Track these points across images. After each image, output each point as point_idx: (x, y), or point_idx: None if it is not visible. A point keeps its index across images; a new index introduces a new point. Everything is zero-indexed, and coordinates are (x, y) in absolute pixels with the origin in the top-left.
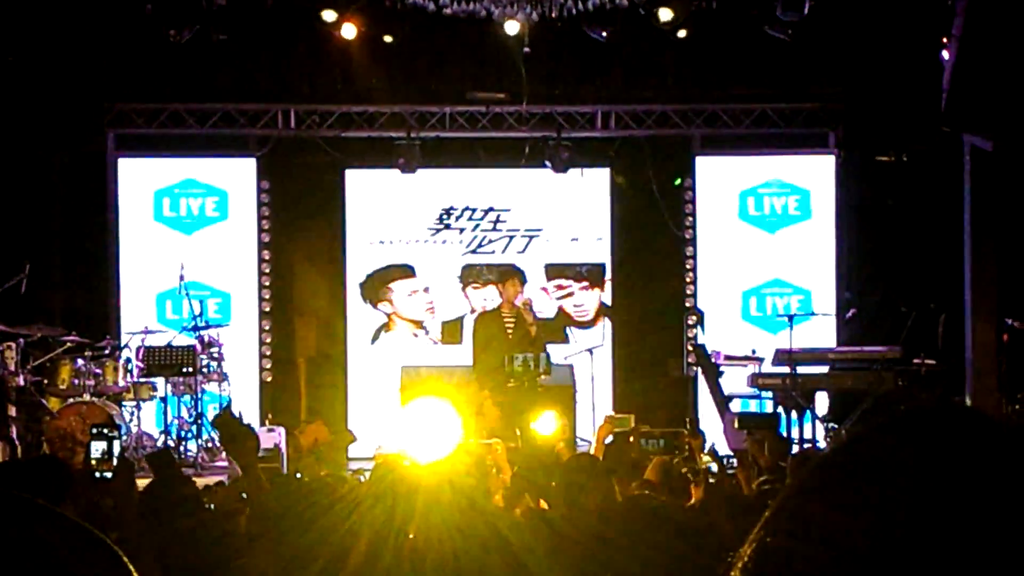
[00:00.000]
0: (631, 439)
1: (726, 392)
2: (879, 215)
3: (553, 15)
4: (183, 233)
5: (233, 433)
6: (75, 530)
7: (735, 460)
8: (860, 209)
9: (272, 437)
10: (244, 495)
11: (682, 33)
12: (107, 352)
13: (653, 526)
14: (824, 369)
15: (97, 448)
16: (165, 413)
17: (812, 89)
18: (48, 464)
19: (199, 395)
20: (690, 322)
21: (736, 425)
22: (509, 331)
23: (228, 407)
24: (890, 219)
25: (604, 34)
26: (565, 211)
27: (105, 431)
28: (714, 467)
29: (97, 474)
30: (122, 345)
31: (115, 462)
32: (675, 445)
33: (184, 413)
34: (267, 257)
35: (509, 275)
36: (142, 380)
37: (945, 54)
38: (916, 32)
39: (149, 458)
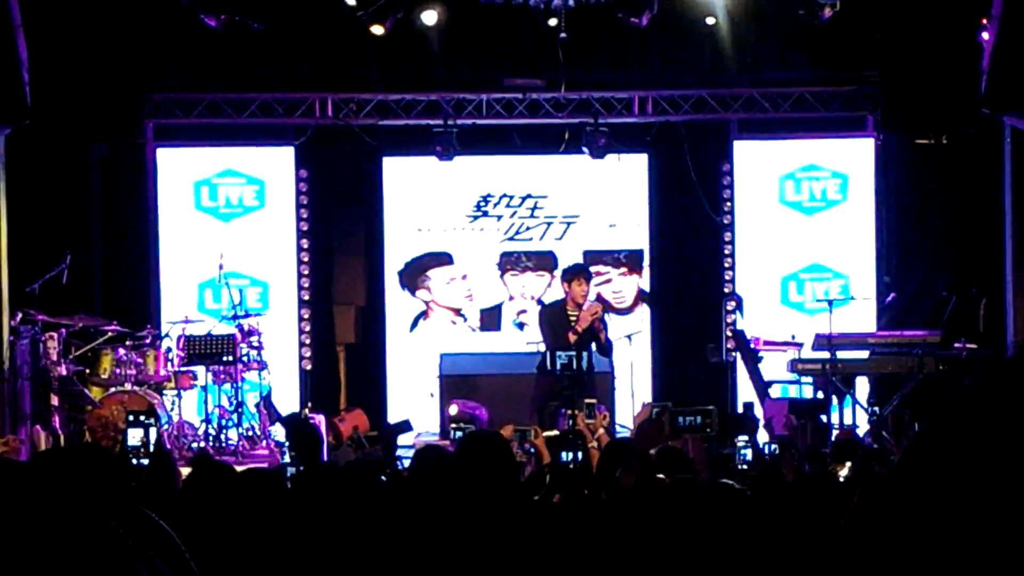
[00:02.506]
0: (664, 419)
1: (766, 378)
2: (919, 199)
3: (589, 0)
4: (222, 222)
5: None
6: (136, 515)
7: (775, 447)
8: (899, 193)
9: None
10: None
11: (710, 21)
12: (148, 341)
13: (696, 510)
14: (864, 354)
15: (134, 436)
16: (206, 402)
17: (850, 72)
18: (91, 452)
19: (239, 384)
20: (729, 308)
21: (787, 411)
22: (576, 334)
23: (301, 417)
24: (930, 203)
25: (643, 22)
26: (603, 197)
27: (142, 419)
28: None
29: (134, 461)
30: (163, 334)
31: (152, 449)
32: (708, 423)
33: (224, 402)
34: (306, 245)
35: (575, 274)
36: (183, 369)
37: (985, 35)
38: (955, 13)
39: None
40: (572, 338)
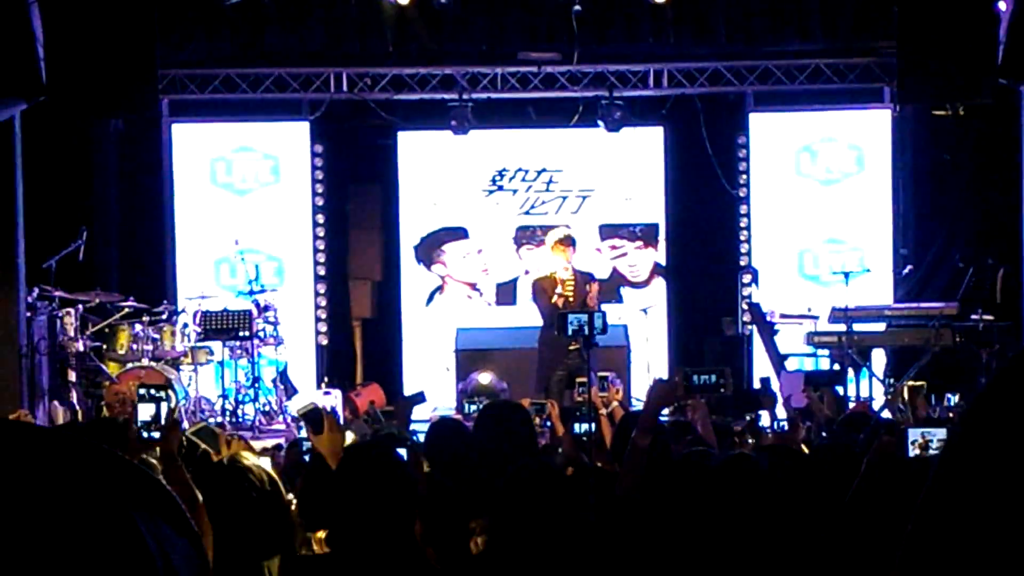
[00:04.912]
0: (677, 378)
1: (782, 351)
2: (935, 170)
3: None
4: (237, 196)
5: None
6: (141, 478)
7: (785, 424)
8: (916, 164)
9: (328, 400)
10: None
11: None
12: (164, 317)
13: (709, 481)
14: (881, 326)
15: (145, 411)
16: (223, 377)
17: (866, 43)
18: (109, 427)
19: (256, 359)
20: (745, 280)
21: (802, 383)
22: (563, 297)
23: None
24: (947, 173)
25: None
26: (618, 171)
27: (152, 392)
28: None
29: (145, 434)
30: (179, 310)
31: (163, 423)
32: (723, 383)
33: (241, 377)
34: (321, 220)
35: (556, 241)
36: (199, 345)
37: (1002, 5)
38: None
39: (194, 433)
40: (559, 301)
